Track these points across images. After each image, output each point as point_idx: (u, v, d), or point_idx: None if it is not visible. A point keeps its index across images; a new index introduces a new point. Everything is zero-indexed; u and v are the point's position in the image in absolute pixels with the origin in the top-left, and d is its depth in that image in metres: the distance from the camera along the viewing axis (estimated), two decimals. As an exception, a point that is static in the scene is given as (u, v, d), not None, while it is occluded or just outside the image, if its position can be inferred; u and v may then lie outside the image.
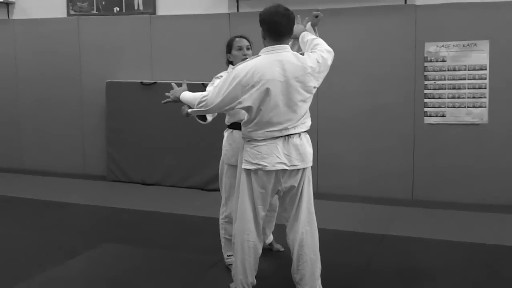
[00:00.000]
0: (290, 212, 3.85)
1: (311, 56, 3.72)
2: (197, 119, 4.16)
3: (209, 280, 4.25)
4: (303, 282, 3.83)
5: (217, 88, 3.67)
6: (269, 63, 3.59)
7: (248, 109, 3.63)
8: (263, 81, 3.54)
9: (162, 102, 4.05)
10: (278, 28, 3.64)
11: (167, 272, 4.46)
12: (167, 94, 4.00)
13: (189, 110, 3.83)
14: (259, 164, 3.65)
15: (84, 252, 4.92)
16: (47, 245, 5.17)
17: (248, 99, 3.58)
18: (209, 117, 4.18)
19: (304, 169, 3.76)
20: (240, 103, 3.61)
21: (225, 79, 3.65)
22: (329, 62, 3.82)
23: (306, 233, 3.81)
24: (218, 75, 4.28)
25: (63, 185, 7.68)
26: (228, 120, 4.41)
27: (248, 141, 3.71)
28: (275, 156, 3.65)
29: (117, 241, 5.26)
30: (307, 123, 3.77)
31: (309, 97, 3.74)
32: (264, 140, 3.65)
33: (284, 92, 3.59)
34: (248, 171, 3.71)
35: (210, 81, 4.28)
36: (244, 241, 3.79)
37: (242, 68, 3.61)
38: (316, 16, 4.12)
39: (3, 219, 6.05)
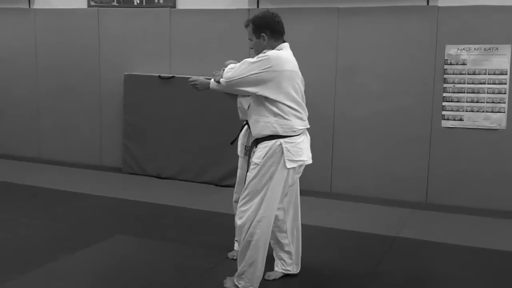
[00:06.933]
0: (289, 205, 4.09)
1: None
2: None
3: (218, 274, 4.25)
4: (293, 255, 4.23)
5: (244, 65, 3.73)
6: (290, 56, 3.87)
7: (284, 94, 3.72)
8: (289, 70, 3.76)
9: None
10: (281, 27, 3.90)
11: (176, 266, 4.48)
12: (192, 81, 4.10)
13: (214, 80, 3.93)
14: (301, 160, 3.81)
15: (97, 242, 4.96)
16: (60, 234, 5.22)
17: (280, 83, 3.70)
18: None
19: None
20: (266, 88, 3.68)
21: (255, 62, 3.71)
22: None
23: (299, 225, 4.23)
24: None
25: (79, 175, 7.72)
26: (242, 117, 4.43)
27: (286, 136, 3.74)
28: (308, 151, 3.88)
29: (130, 233, 5.28)
30: None
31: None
32: (300, 132, 3.79)
33: (299, 83, 3.87)
34: (288, 170, 3.77)
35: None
36: (267, 240, 3.87)
37: (275, 56, 3.73)
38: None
39: (18, 207, 6.10)
